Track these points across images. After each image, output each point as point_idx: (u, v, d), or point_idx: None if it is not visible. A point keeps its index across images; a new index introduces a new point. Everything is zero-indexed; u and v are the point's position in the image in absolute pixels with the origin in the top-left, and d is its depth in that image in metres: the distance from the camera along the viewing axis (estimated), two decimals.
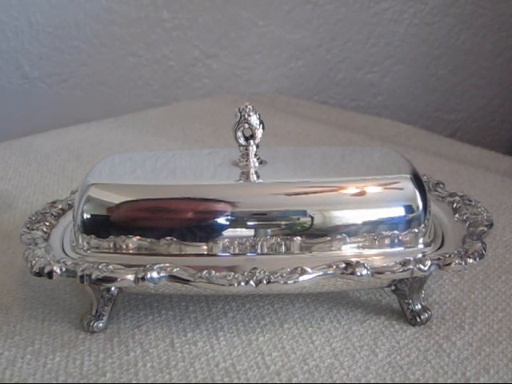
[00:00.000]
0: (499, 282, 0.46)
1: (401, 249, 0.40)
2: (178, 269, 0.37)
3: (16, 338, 0.40)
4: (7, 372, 0.37)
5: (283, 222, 0.40)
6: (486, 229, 0.42)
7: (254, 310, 0.43)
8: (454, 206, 0.46)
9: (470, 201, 0.46)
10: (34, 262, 0.39)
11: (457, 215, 0.45)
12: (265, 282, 0.36)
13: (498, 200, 0.60)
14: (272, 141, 0.75)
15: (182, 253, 0.40)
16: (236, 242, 0.39)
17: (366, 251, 0.40)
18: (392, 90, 1.29)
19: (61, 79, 1.13)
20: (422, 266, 0.38)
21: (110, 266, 0.38)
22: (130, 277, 0.37)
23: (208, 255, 0.40)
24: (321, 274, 0.37)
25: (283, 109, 0.98)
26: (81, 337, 0.40)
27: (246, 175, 0.42)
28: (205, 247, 0.40)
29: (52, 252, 0.41)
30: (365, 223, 0.40)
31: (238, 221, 0.39)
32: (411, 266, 0.38)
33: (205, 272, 0.37)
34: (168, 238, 0.40)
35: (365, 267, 0.37)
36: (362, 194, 0.40)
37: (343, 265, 0.37)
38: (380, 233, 0.40)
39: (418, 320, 0.41)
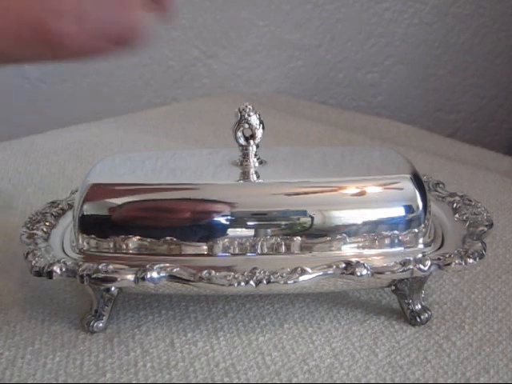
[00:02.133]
0: (499, 282, 0.46)
1: (401, 249, 0.40)
2: (178, 269, 0.37)
3: (16, 337, 0.40)
4: (7, 372, 0.37)
5: (283, 222, 0.40)
6: (485, 229, 0.42)
7: (254, 310, 0.43)
8: (454, 205, 0.46)
9: (470, 201, 0.46)
10: (34, 262, 0.39)
11: (457, 215, 0.45)
12: (265, 282, 0.36)
13: (498, 200, 0.60)
14: (272, 141, 0.75)
15: (182, 253, 0.40)
16: (236, 242, 0.39)
17: (366, 251, 0.40)
18: (392, 89, 1.29)
19: (61, 79, 1.13)
20: (422, 266, 0.38)
21: (110, 266, 0.38)
22: (130, 277, 0.37)
23: (208, 255, 0.40)
24: (321, 274, 0.37)
25: (283, 109, 0.98)
26: (81, 337, 0.40)
27: (246, 175, 0.42)
28: (205, 247, 0.40)
29: (52, 252, 0.41)
30: (365, 223, 0.40)
31: (237, 221, 0.39)
32: (411, 266, 0.38)
33: (205, 272, 0.37)
34: (168, 238, 0.40)
35: (365, 267, 0.37)
36: (362, 193, 0.40)
37: (343, 265, 0.37)
38: (380, 233, 0.40)
39: (418, 320, 0.41)
